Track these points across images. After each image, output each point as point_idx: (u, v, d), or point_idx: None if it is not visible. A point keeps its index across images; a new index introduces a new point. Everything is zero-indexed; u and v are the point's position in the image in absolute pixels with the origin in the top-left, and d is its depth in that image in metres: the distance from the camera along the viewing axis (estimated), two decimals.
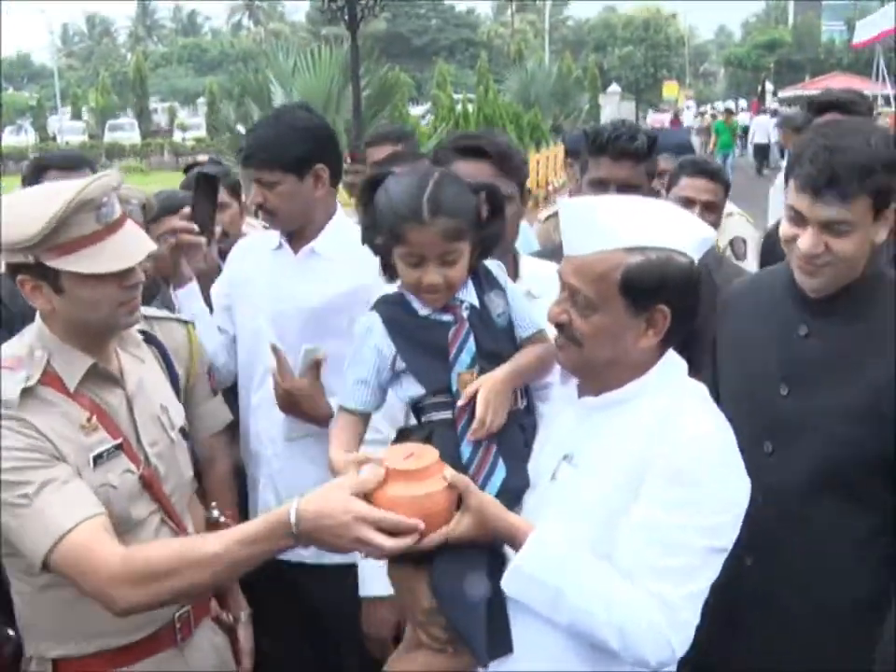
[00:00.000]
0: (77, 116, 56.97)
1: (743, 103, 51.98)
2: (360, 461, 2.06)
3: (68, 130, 50.24)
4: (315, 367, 3.02)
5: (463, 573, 2.06)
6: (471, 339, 2.19)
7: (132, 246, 2.33)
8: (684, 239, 2.06)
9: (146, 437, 2.46)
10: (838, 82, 31.22)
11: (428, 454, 2.05)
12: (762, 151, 31.72)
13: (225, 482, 3.11)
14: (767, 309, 2.60)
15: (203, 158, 5.15)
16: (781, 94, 47.86)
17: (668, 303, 2.03)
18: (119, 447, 2.37)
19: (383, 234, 2.21)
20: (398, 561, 2.14)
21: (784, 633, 2.49)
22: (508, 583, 2.03)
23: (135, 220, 2.90)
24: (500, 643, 2.09)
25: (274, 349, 3.05)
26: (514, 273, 2.82)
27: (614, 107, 42.15)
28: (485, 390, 2.12)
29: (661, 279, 2.01)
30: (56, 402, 2.31)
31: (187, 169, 5.90)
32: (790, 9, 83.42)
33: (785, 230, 2.43)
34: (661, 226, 2.06)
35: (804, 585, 2.46)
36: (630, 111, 46.58)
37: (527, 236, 4.93)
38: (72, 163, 3.79)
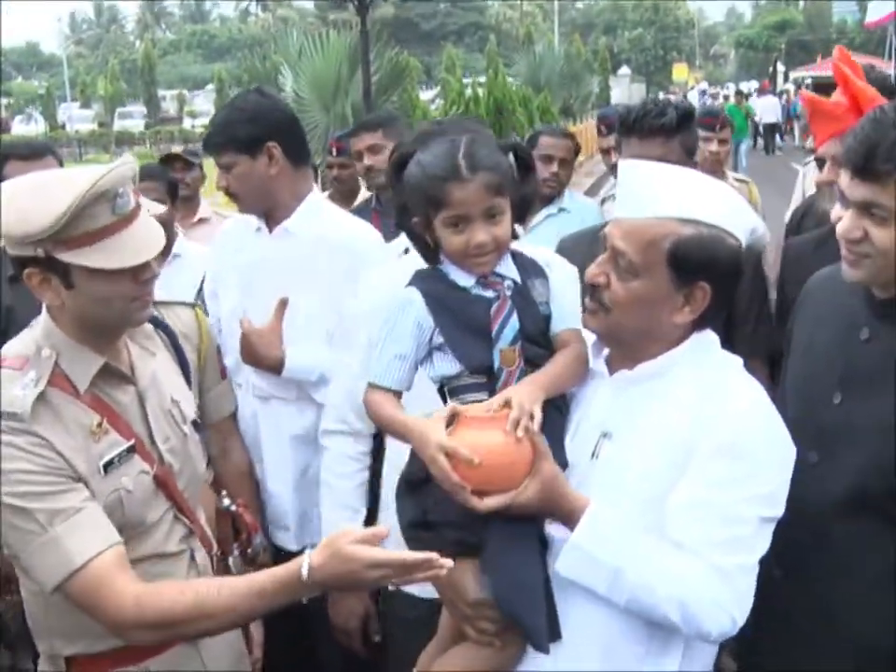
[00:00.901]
0: (86, 104, 57.03)
1: (755, 84, 51.70)
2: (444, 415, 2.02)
3: (77, 118, 50.32)
4: (280, 307, 3.13)
5: (518, 558, 2.02)
6: (514, 315, 2.13)
7: (147, 239, 2.22)
8: (737, 222, 2.03)
9: (159, 434, 2.39)
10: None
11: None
12: (771, 130, 31.98)
13: (241, 471, 3.07)
14: (835, 307, 2.42)
15: (177, 149, 5.22)
16: (793, 75, 47.59)
17: (711, 282, 2.00)
18: (132, 449, 2.29)
19: (420, 207, 2.16)
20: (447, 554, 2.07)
21: (805, 652, 2.36)
22: (565, 563, 1.99)
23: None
24: (553, 629, 2.05)
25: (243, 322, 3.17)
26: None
27: (624, 90, 41.98)
28: (518, 396, 2.02)
29: (710, 256, 1.98)
30: (65, 407, 2.21)
31: (163, 160, 5.90)
32: None
33: (834, 211, 2.32)
34: (717, 204, 2.02)
35: (829, 605, 2.31)
36: (640, 94, 46.35)
37: None
38: (35, 151, 3.74)
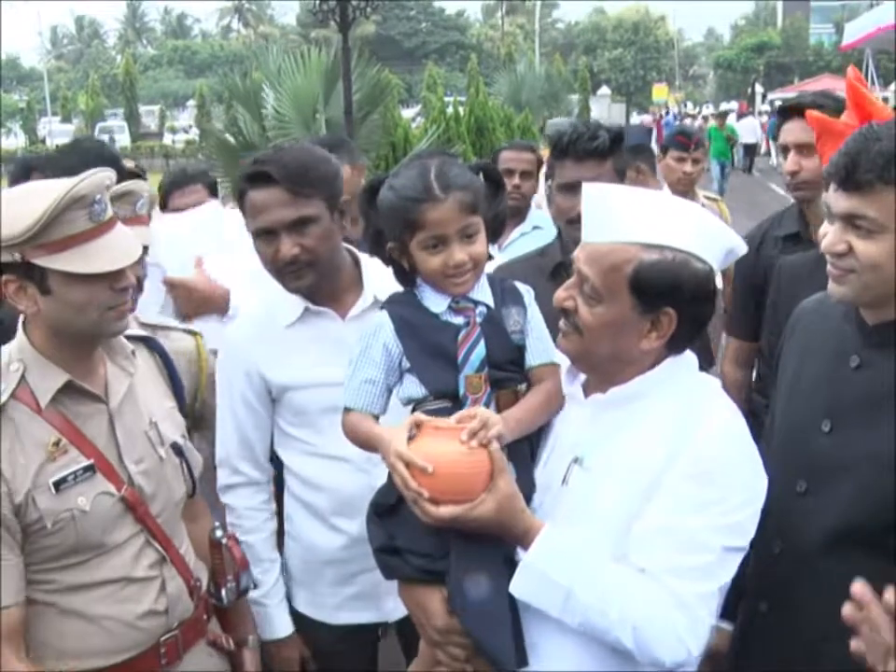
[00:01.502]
0: (66, 118, 56.74)
1: (734, 105, 52.11)
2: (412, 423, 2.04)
3: (58, 132, 49.96)
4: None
5: (482, 583, 2.02)
6: (482, 343, 2.15)
7: (123, 247, 2.25)
8: (706, 245, 2.01)
9: (129, 455, 2.36)
10: (827, 84, 31.28)
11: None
12: (750, 151, 32.55)
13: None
14: (825, 334, 2.36)
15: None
16: (771, 96, 47.95)
17: (677, 308, 1.98)
18: (90, 468, 2.27)
19: (396, 231, 2.18)
20: (411, 581, 2.14)
21: None
22: (518, 584, 1.99)
23: (145, 214, 2.91)
24: (519, 654, 2.05)
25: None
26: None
27: (604, 110, 42.18)
28: (483, 412, 2.03)
29: (673, 281, 1.96)
30: (24, 422, 2.22)
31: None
32: (778, 11, 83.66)
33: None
34: (684, 228, 2.00)
35: (814, 642, 2.22)
36: (620, 113, 46.61)
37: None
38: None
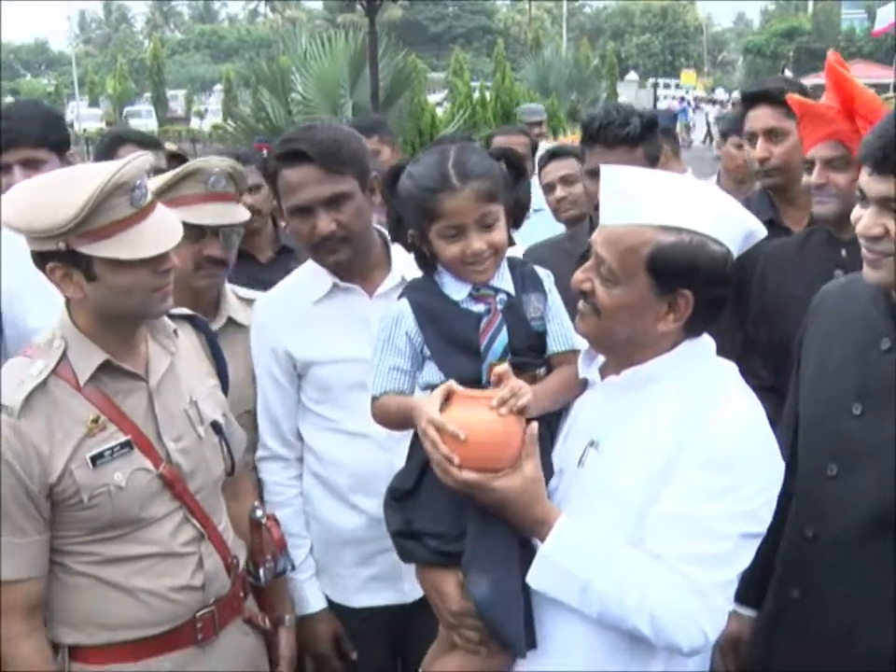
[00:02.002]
0: (94, 103, 57.06)
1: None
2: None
3: (86, 116, 50.29)
4: None
5: (496, 566, 2.03)
6: (504, 331, 2.15)
7: (165, 231, 2.27)
8: (725, 228, 2.00)
9: (168, 433, 2.39)
10: (859, 70, 31.01)
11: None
12: None
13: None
14: (854, 317, 2.35)
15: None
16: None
17: (693, 290, 1.98)
18: (127, 444, 2.31)
19: (414, 218, 2.19)
20: (427, 564, 2.15)
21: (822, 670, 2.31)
22: (535, 575, 2.00)
23: (226, 191, 2.88)
24: (530, 638, 2.06)
25: None
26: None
27: (632, 95, 41.99)
28: (513, 381, 2.04)
29: (690, 263, 1.95)
30: (65, 399, 2.27)
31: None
32: None
33: (854, 211, 2.24)
34: (702, 211, 1.99)
35: (847, 629, 2.24)
36: (648, 99, 46.35)
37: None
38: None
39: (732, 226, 2.02)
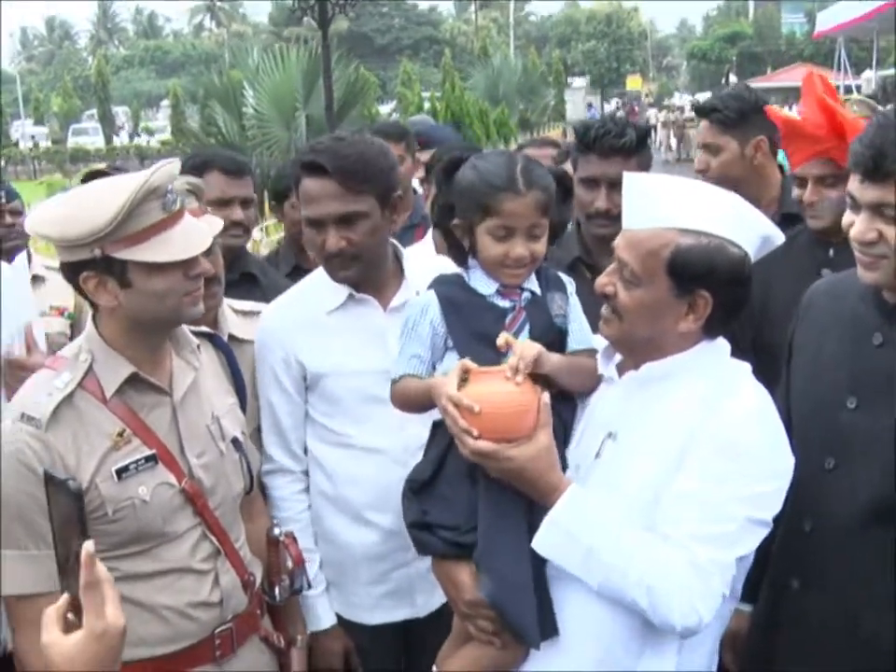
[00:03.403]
0: (39, 121, 56.35)
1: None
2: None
3: (31, 135, 49.67)
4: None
5: (508, 558, 2.08)
6: (526, 328, 2.23)
7: (195, 235, 2.31)
8: (741, 232, 2.07)
9: (191, 448, 2.40)
10: (800, 73, 31.48)
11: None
12: None
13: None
14: (844, 313, 2.41)
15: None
16: (722, 91, 48.01)
17: (712, 291, 2.05)
18: (152, 458, 2.31)
19: (468, 211, 2.25)
20: (442, 555, 2.21)
21: (823, 665, 2.34)
22: (541, 539, 2.05)
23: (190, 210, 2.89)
24: (548, 626, 2.11)
25: None
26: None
27: (580, 102, 42.25)
28: (519, 347, 2.12)
29: (708, 265, 2.03)
30: (90, 412, 2.28)
31: (85, 178, 5.64)
32: (749, 1, 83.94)
33: (845, 217, 2.29)
34: (719, 214, 2.07)
35: (849, 618, 2.27)
36: (595, 105, 46.69)
37: None
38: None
39: (749, 230, 2.10)
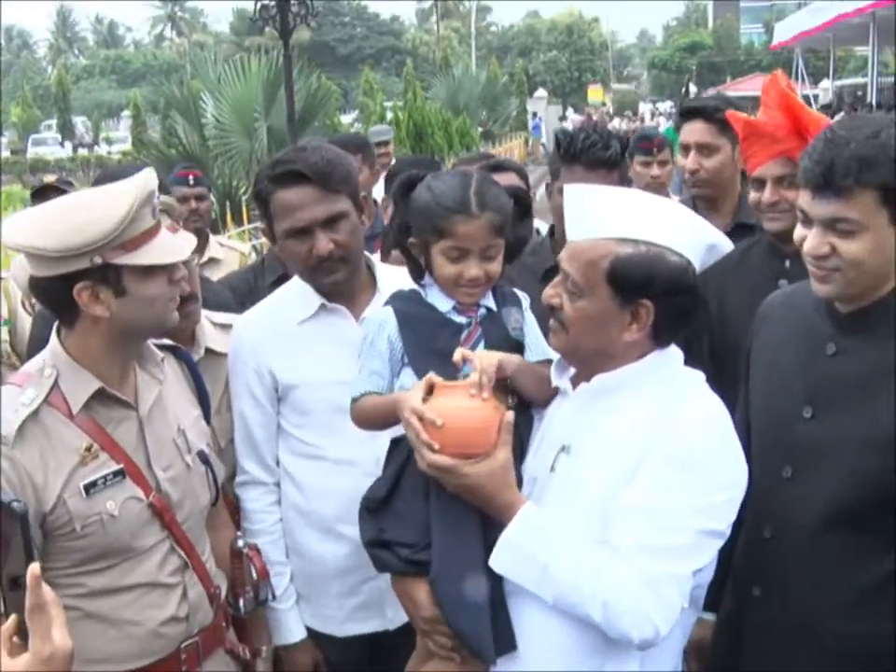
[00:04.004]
0: None
1: (670, 104, 52.63)
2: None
3: None
4: None
5: (462, 576, 2.08)
6: (482, 344, 2.24)
7: (177, 241, 2.34)
8: (683, 240, 2.08)
9: (158, 462, 2.39)
10: (759, 83, 31.81)
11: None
12: None
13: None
14: (799, 324, 2.42)
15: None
16: (705, 96, 48.55)
17: (653, 299, 2.05)
18: (120, 473, 2.30)
19: (423, 231, 2.26)
20: (400, 572, 2.21)
21: (794, 669, 2.33)
22: (497, 558, 2.05)
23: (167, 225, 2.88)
24: (505, 641, 2.11)
25: None
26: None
27: (541, 112, 42.43)
28: (479, 362, 2.13)
29: (648, 274, 2.03)
30: (57, 428, 2.26)
31: (36, 193, 5.45)
32: (709, 12, 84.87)
33: (796, 232, 2.29)
34: (660, 223, 2.07)
35: (810, 625, 2.28)
36: (557, 115, 46.87)
37: None
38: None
39: (692, 238, 2.10)
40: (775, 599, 2.37)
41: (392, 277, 2.74)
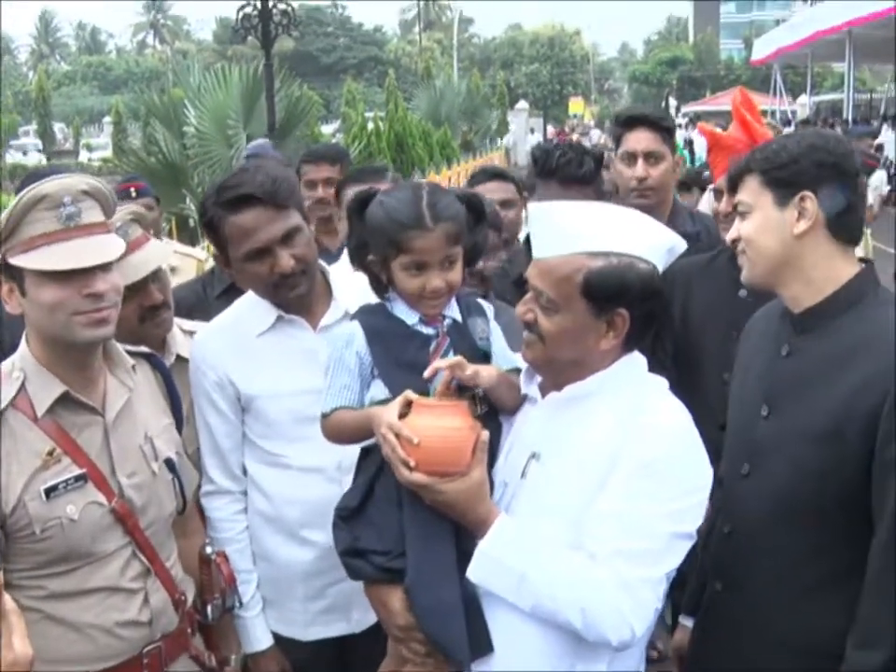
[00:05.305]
0: None
1: None
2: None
3: None
4: None
5: (437, 583, 2.13)
6: (451, 353, 2.26)
7: (99, 251, 2.29)
8: (648, 246, 2.15)
9: (122, 468, 2.40)
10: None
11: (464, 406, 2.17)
12: None
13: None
14: (767, 331, 2.55)
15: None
16: (685, 109, 48.89)
17: (628, 307, 2.12)
18: (82, 478, 2.32)
19: (380, 248, 2.28)
20: (374, 580, 2.24)
21: (749, 663, 2.41)
22: (474, 569, 2.10)
23: (136, 239, 2.83)
24: (481, 643, 2.15)
25: None
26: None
27: (522, 124, 42.55)
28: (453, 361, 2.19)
29: (621, 284, 2.10)
30: (20, 431, 2.28)
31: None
32: (689, 27, 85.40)
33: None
34: (624, 233, 2.13)
35: (767, 618, 2.37)
36: (538, 128, 47.05)
37: None
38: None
39: (654, 243, 2.17)
40: (732, 594, 2.45)
41: (346, 284, 2.78)
